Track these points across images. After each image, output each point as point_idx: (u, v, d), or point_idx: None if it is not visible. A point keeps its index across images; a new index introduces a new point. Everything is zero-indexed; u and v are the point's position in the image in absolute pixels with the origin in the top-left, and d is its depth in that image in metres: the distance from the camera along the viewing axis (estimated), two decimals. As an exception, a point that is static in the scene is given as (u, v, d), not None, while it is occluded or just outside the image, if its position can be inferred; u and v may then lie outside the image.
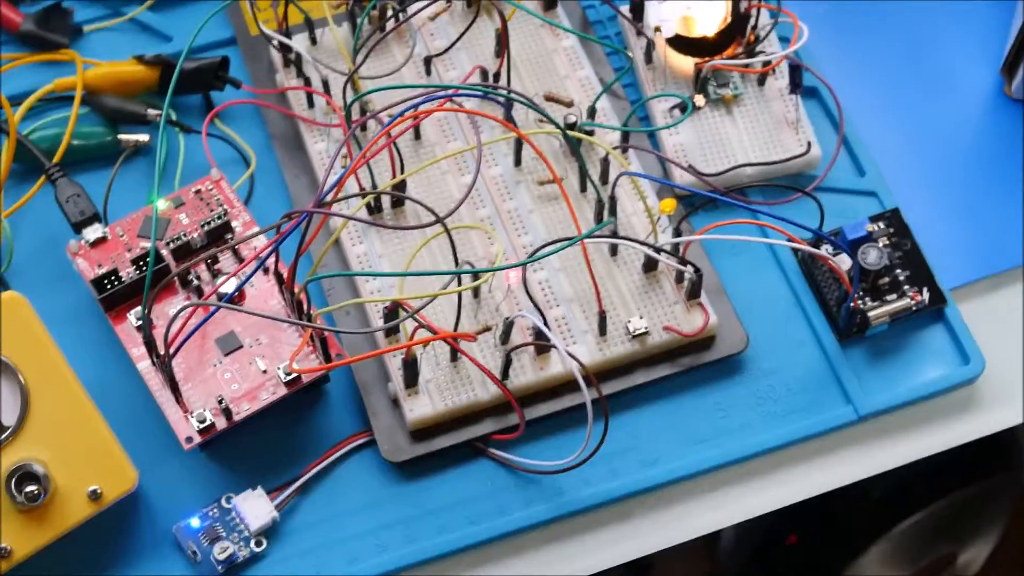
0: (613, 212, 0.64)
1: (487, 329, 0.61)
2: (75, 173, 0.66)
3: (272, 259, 0.61)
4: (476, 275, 0.60)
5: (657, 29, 0.68)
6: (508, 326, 0.60)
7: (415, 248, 0.61)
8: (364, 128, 0.66)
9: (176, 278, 0.61)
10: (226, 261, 0.62)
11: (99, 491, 0.56)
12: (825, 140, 0.69)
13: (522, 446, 0.61)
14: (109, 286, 0.61)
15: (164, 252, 0.62)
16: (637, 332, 0.62)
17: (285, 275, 0.59)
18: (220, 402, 0.58)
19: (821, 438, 0.63)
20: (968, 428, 0.64)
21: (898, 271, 0.64)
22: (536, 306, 0.61)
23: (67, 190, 0.63)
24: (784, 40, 0.71)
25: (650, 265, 0.63)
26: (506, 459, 0.61)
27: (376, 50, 0.69)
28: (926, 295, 0.64)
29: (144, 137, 0.68)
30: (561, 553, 0.60)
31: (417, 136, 0.67)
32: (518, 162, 0.66)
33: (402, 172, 0.63)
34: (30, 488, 0.55)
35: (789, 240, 0.61)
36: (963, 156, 0.70)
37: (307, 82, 0.68)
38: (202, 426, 0.58)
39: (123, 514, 0.59)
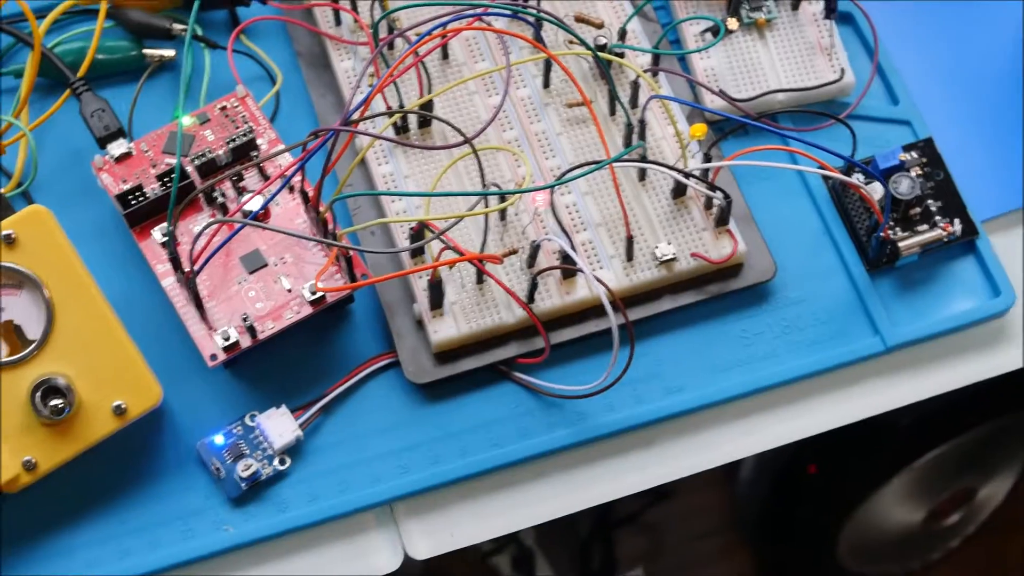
0: (642, 136, 0.63)
1: (513, 252, 0.61)
2: (100, 88, 0.65)
3: (298, 177, 0.60)
4: (503, 197, 0.59)
5: (691, -50, 0.67)
6: (535, 249, 0.60)
7: (442, 169, 0.61)
8: (391, 46, 0.65)
9: (201, 195, 0.61)
10: (251, 179, 0.62)
11: (123, 406, 0.56)
12: (859, 67, 0.67)
13: (546, 370, 0.61)
14: (134, 202, 0.60)
15: (189, 168, 0.61)
16: (664, 258, 0.61)
17: (311, 194, 0.59)
18: (244, 320, 0.58)
19: (847, 368, 0.62)
20: (997, 362, 0.63)
21: (930, 201, 0.64)
22: (563, 230, 0.60)
23: (92, 104, 0.63)
24: (820, -36, 0.70)
25: (679, 191, 0.62)
26: (530, 383, 0.61)
27: (405, -33, 0.68)
28: (958, 226, 0.63)
29: (169, 52, 0.67)
30: (584, 478, 0.60)
31: (445, 56, 0.66)
32: (547, 84, 0.65)
33: (429, 92, 0.63)
34: (55, 402, 0.55)
35: (820, 167, 0.61)
36: (998, 87, 0.69)
37: (334, -2, 0.67)
38: (226, 344, 0.58)
39: (148, 430, 0.59)
